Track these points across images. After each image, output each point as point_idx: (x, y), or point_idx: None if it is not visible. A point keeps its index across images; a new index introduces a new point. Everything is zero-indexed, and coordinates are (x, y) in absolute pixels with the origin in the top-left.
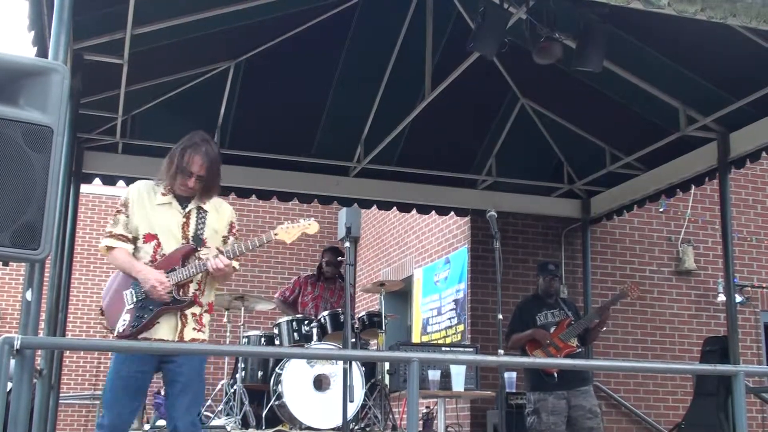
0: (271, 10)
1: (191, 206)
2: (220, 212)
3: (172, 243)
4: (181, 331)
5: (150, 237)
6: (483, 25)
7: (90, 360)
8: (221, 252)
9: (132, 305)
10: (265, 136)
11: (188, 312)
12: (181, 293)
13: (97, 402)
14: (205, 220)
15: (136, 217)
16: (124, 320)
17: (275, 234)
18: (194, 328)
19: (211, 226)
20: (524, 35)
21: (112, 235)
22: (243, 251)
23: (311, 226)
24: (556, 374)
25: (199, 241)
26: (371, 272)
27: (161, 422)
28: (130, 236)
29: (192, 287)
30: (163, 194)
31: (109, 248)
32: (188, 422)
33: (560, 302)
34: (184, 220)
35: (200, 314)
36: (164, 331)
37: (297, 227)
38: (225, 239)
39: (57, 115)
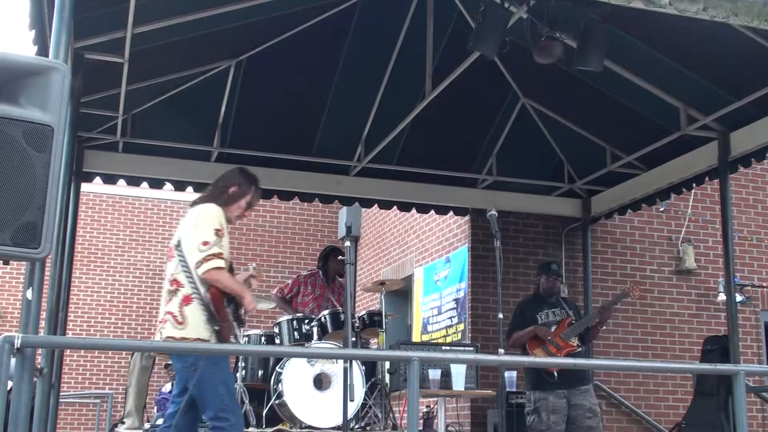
0: (272, 10)
1: None
2: None
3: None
4: None
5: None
6: (484, 25)
7: (90, 359)
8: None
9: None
10: (266, 136)
11: None
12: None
13: (98, 401)
14: None
15: (227, 241)
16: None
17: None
18: None
19: None
20: (525, 35)
21: (221, 256)
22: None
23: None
24: (556, 373)
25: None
26: (372, 271)
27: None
28: None
29: None
30: None
31: (222, 268)
32: None
33: (561, 301)
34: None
35: None
36: None
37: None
38: None
39: (58, 114)
